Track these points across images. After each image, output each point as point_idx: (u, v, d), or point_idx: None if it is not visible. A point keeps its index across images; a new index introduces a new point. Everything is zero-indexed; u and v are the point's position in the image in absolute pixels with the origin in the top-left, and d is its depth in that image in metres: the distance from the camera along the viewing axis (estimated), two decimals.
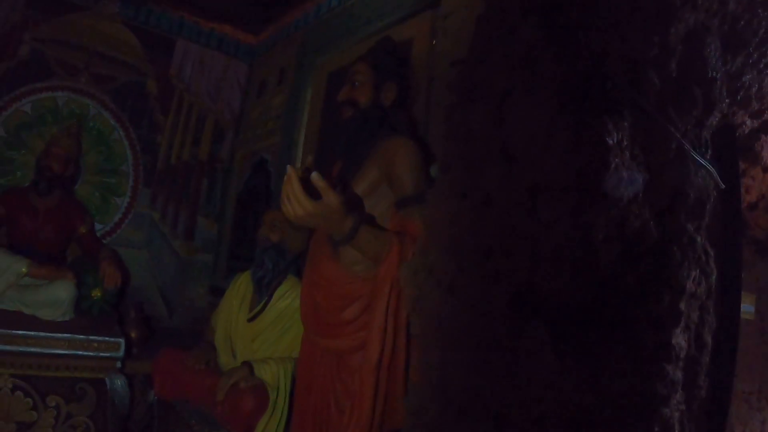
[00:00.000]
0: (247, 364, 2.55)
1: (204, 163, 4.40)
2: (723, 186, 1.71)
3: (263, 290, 2.77)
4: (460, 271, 1.35)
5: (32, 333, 2.75)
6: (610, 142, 1.22)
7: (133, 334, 3.34)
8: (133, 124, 4.07)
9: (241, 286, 2.94)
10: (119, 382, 2.93)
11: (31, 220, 3.31)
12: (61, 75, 3.79)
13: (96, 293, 3.20)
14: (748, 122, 2.06)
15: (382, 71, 2.13)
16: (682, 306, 1.45)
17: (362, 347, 1.83)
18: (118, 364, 2.96)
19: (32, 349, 2.74)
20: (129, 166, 4.05)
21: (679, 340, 1.47)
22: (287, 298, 2.72)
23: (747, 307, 2.18)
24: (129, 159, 4.05)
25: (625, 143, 1.27)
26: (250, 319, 2.78)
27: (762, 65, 1.89)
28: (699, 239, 1.55)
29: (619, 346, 1.31)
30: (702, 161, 1.54)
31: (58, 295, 2.96)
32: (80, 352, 2.84)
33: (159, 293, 4.14)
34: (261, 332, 2.74)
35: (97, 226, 3.83)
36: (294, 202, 1.55)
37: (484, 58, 1.41)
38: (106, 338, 2.92)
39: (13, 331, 2.72)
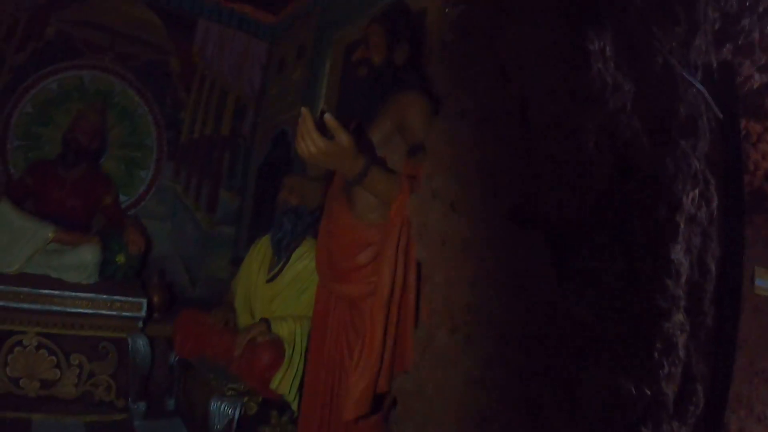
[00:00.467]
0: (265, 321, 2.63)
1: (226, 138, 4.51)
2: (721, 115, 1.70)
3: (282, 252, 2.83)
4: (461, 189, 1.39)
5: (57, 292, 2.90)
6: (591, 47, 1.25)
7: (155, 299, 3.44)
8: (157, 101, 4.21)
9: (261, 248, 3.01)
10: (141, 342, 3.05)
11: (58, 190, 3.47)
12: (86, 54, 3.95)
13: (120, 259, 3.38)
14: (756, 77, 2.02)
15: (395, 32, 2.17)
16: (679, 219, 1.45)
17: (374, 292, 1.86)
18: (140, 324, 3.09)
19: (57, 308, 2.88)
20: (153, 141, 4.19)
21: (679, 256, 1.46)
22: (305, 258, 2.77)
23: (762, 282, 2.11)
24: (153, 134, 4.19)
25: (609, 53, 1.30)
26: (269, 280, 2.86)
27: (761, 10, 1.87)
28: (694, 158, 1.55)
29: (618, 260, 1.32)
30: (692, 80, 1.54)
31: (83, 258, 3.11)
32: (103, 312, 2.98)
33: (182, 264, 4.27)
34: (279, 292, 2.81)
35: (122, 198, 3.98)
36: (308, 140, 1.60)
37: None
38: (129, 298, 3.05)
39: (39, 290, 2.86)
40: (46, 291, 2.88)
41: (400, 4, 2.33)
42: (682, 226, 1.48)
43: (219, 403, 2.56)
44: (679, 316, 1.47)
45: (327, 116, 1.60)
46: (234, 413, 2.56)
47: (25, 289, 2.84)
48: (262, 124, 4.52)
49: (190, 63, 4.35)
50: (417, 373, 1.50)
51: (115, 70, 4.04)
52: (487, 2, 1.43)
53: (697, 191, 1.56)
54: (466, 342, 1.32)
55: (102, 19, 3.97)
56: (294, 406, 2.52)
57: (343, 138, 1.64)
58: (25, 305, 2.82)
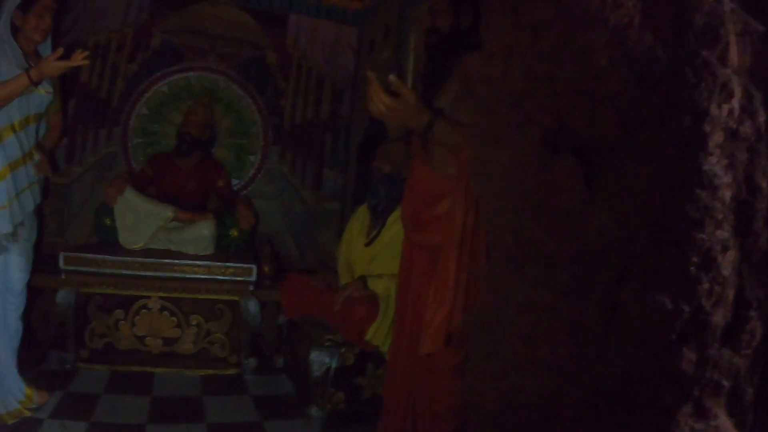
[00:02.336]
0: (362, 279, 2.80)
1: (326, 120, 4.75)
2: (762, 28, 1.58)
3: (378, 217, 2.99)
4: (497, 123, 1.46)
5: (176, 261, 3.28)
6: None
7: (266, 268, 3.74)
8: (259, 92, 4.54)
9: (360, 215, 3.19)
10: (252, 304, 3.34)
11: (176, 177, 3.91)
12: (190, 58, 4.38)
13: (233, 232, 3.74)
14: None
15: None
16: (707, 128, 1.40)
17: (449, 240, 1.99)
18: (251, 288, 3.37)
19: (177, 275, 3.26)
20: (258, 128, 4.52)
21: (714, 168, 1.41)
22: (400, 222, 2.82)
23: None
24: (258, 122, 4.52)
25: None
26: (368, 244, 3.01)
27: None
28: (721, 67, 1.47)
29: (646, 174, 1.31)
30: None
31: (201, 232, 3.48)
32: (218, 277, 3.31)
33: (292, 238, 4.56)
34: (377, 254, 2.95)
35: (234, 182, 4.35)
36: (376, 100, 1.77)
37: None
38: (241, 264, 3.34)
39: (161, 260, 3.26)
40: (167, 260, 3.26)
41: None
42: (713, 135, 1.41)
43: (318, 352, 2.74)
44: (722, 232, 1.39)
45: (391, 77, 1.77)
46: (331, 362, 2.73)
47: (150, 259, 3.24)
48: (358, 104, 4.69)
49: (285, 55, 4.63)
50: (483, 306, 1.57)
51: (218, 69, 4.41)
52: None
53: (735, 104, 1.47)
54: (518, 269, 1.38)
55: (201, 25, 4.38)
56: (387, 357, 2.61)
57: (408, 94, 1.79)
58: (150, 273, 3.21)
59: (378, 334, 2.65)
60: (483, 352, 1.51)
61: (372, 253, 2.96)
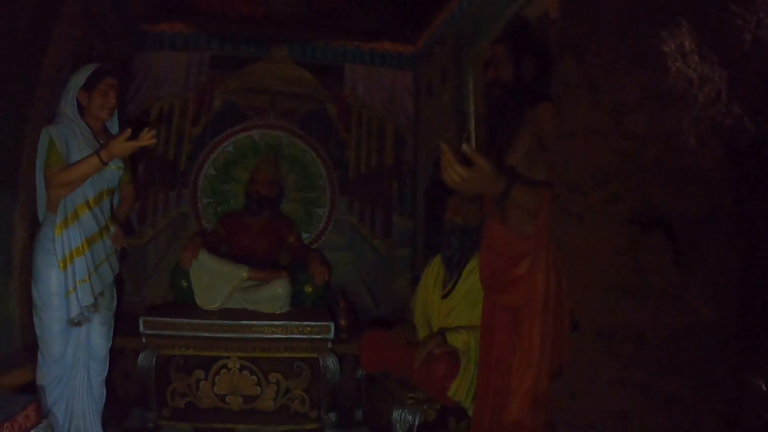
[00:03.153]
0: (441, 333, 2.75)
1: (390, 167, 4.72)
2: None
3: (453, 269, 2.93)
4: (584, 201, 1.47)
5: (254, 322, 3.25)
6: (666, 49, 1.27)
7: (342, 322, 3.70)
8: (322, 145, 4.58)
9: (434, 268, 3.12)
10: (331, 360, 3.29)
11: (247, 236, 3.93)
12: (252, 116, 4.49)
13: (308, 289, 3.71)
14: None
15: (518, 48, 2.24)
16: None
17: (532, 301, 1.97)
18: (329, 345, 3.31)
19: (255, 335, 3.23)
20: (324, 181, 4.54)
21: None
22: (475, 273, 2.77)
23: None
24: (324, 174, 4.54)
25: (688, 48, 1.30)
26: (444, 296, 2.97)
27: None
28: None
29: (738, 251, 1.30)
30: None
31: (276, 291, 3.46)
32: (296, 336, 3.26)
33: (365, 288, 4.51)
34: (454, 307, 2.90)
35: (304, 235, 4.36)
36: (450, 171, 1.72)
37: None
38: (318, 322, 3.30)
39: (239, 321, 3.24)
40: (245, 322, 3.24)
41: (519, 19, 2.38)
42: None
43: (400, 411, 2.69)
44: None
45: (464, 147, 1.73)
46: (414, 420, 2.67)
47: (228, 321, 3.23)
48: (422, 148, 4.66)
49: (345, 105, 4.68)
50: (569, 375, 1.59)
51: (280, 125, 4.49)
52: (575, 20, 1.54)
53: None
54: (608, 345, 1.39)
55: (259, 84, 4.50)
56: (470, 412, 2.55)
57: (482, 163, 1.73)
58: (228, 335, 3.20)
59: (460, 390, 2.59)
60: (572, 423, 1.51)
61: (449, 306, 2.92)
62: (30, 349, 2.65)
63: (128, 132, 2.50)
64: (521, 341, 2.00)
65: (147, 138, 2.53)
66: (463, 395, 2.59)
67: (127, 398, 3.45)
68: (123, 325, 3.08)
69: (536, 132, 2.06)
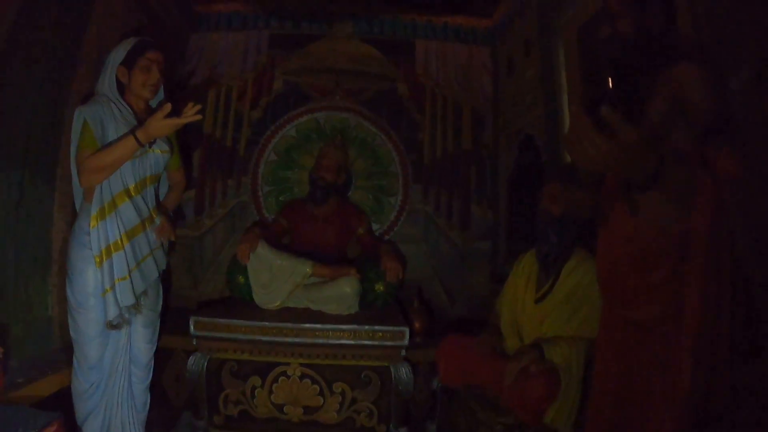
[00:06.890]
0: (537, 346, 2.41)
1: (469, 152, 4.32)
2: None
3: (550, 267, 2.61)
4: None
5: (319, 326, 2.89)
6: None
7: (416, 324, 3.35)
8: (393, 127, 4.24)
9: (526, 266, 2.79)
10: (404, 370, 2.90)
11: (312, 226, 3.60)
12: (316, 98, 4.23)
13: (379, 287, 3.34)
14: None
15: None
16: None
17: (674, 318, 1.64)
18: (403, 353, 2.93)
19: (319, 341, 2.87)
20: (396, 166, 4.20)
21: None
22: (577, 273, 2.52)
23: None
24: (395, 159, 4.20)
25: None
26: (538, 300, 2.62)
27: None
28: None
29: None
30: None
31: (343, 291, 3.11)
32: (365, 342, 2.89)
33: (440, 284, 4.14)
34: (550, 313, 2.56)
35: (375, 226, 4.02)
36: (585, 143, 1.27)
37: None
38: (391, 327, 2.92)
39: (302, 325, 2.89)
40: (308, 325, 2.89)
41: None
42: None
43: None
44: None
45: (604, 110, 1.24)
46: None
47: (289, 324, 2.88)
48: (503, 131, 4.25)
49: (417, 84, 4.35)
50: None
51: (347, 106, 4.21)
52: None
53: None
54: None
55: (323, 63, 4.27)
56: None
57: (629, 132, 1.26)
58: (289, 339, 2.86)
59: (560, 415, 2.27)
60: None
61: (544, 312, 2.58)
62: (69, 350, 2.44)
63: (168, 107, 2.19)
64: (659, 369, 1.65)
65: (190, 114, 2.22)
66: (562, 421, 2.27)
67: (177, 401, 3.24)
68: (173, 322, 2.89)
69: (671, 98, 1.70)
